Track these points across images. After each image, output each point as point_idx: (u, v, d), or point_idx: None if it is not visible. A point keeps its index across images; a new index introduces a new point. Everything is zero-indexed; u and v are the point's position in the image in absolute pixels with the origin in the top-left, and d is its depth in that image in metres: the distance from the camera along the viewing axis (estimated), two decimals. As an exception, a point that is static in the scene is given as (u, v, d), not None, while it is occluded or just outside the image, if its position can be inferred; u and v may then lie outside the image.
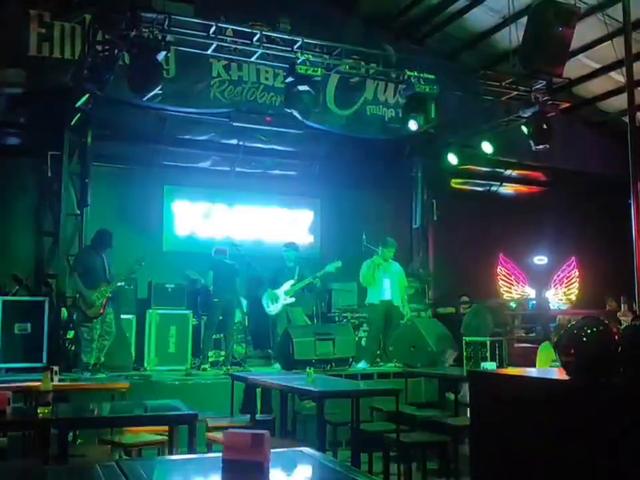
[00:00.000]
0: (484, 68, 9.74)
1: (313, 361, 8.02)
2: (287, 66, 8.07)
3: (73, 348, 8.48)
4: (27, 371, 7.74)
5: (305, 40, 8.09)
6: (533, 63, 8.17)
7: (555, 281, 13.47)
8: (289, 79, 8.01)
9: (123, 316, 8.82)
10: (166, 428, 4.94)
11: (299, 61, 7.91)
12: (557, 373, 3.15)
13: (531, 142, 9.36)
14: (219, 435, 5.26)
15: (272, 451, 2.35)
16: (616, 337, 2.82)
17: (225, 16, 7.98)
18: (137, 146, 10.31)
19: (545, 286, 13.30)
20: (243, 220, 11.28)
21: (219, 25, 7.72)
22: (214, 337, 9.35)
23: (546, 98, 9.26)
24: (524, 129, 9.41)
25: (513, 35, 8.48)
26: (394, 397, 5.47)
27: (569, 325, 2.99)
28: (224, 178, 11.00)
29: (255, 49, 8.02)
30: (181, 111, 9.62)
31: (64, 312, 8.70)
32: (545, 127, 9.18)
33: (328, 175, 11.38)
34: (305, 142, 10.87)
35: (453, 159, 10.97)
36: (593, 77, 11.12)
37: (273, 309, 9.43)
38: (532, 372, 4.49)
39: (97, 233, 8.21)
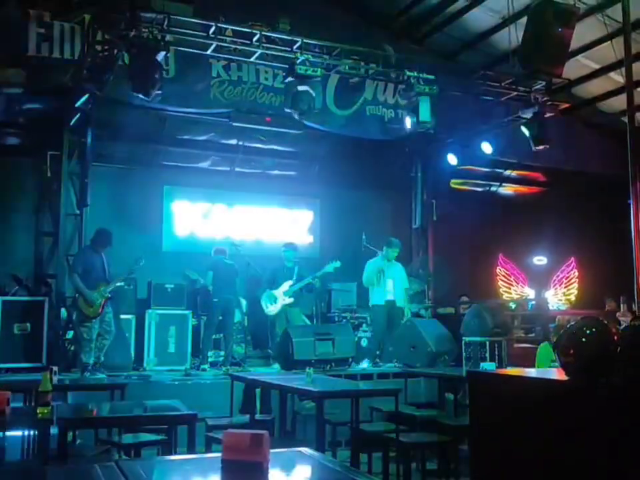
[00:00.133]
0: (483, 68, 9.73)
1: (313, 361, 8.02)
2: (287, 66, 8.08)
3: (72, 348, 8.48)
4: (26, 370, 7.76)
5: (305, 40, 8.09)
6: (532, 63, 8.18)
7: (554, 281, 13.47)
8: (289, 79, 8.02)
9: (122, 316, 8.83)
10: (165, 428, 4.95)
11: (298, 61, 7.92)
12: (556, 374, 3.15)
13: (531, 142, 9.37)
14: (218, 435, 5.26)
15: (271, 451, 2.34)
16: (615, 338, 2.82)
17: (225, 16, 7.98)
18: (136, 146, 10.31)
19: (544, 286, 13.30)
20: (242, 220, 11.28)
21: (219, 25, 7.72)
22: (213, 337, 9.35)
23: (545, 98, 9.26)
24: (523, 129, 9.42)
25: (513, 36, 8.49)
26: (393, 397, 5.48)
27: (568, 326, 2.99)
28: (223, 178, 11.00)
29: (255, 49, 8.02)
30: (181, 111, 9.62)
31: (63, 312, 8.71)
32: (544, 127, 9.19)
33: (327, 175, 11.38)
34: (304, 142, 10.87)
35: (452, 159, 10.97)
36: (593, 77, 11.12)
37: (271, 309, 9.43)
38: (531, 372, 4.50)
39: (96, 232, 8.21)
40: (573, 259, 13.36)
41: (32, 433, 4.81)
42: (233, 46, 8.03)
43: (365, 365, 8.96)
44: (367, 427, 5.95)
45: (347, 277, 10.37)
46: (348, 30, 9.93)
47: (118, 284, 8.11)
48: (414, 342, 8.52)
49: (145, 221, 10.36)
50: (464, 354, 7.62)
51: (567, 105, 10.20)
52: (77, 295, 7.97)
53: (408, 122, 8.85)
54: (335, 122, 10.25)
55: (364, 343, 9.58)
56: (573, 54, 9.52)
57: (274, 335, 9.37)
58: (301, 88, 7.86)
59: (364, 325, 9.88)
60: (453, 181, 12.38)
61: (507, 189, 13.20)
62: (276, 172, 11.47)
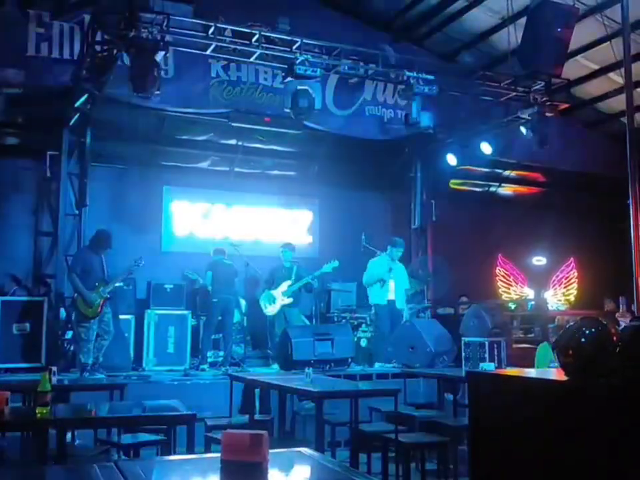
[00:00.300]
0: (483, 68, 9.75)
1: (312, 361, 8.00)
2: (286, 66, 8.08)
3: (71, 348, 8.48)
4: (25, 370, 7.76)
5: (304, 40, 8.10)
6: (531, 63, 8.20)
7: (553, 281, 13.47)
8: (288, 80, 8.02)
9: (121, 316, 8.83)
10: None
11: (297, 61, 7.92)
12: (556, 374, 3.15)
13: (530, 143, 9.37)
14: (217, 435, 5.26)
15: (270, 451, 2.35)
16: (614, 338, 2.82)
17: (224, 16, 7.98)
18: (135, 146, 10.29)
19: (543, 287, 13.30)
20: (241, 220, 11.27)
21: (218, 25, 7.72)
22: (213, 337, 9.35)
23: (545, 99, 9.26)
24: (523, 129, 9.42)
25: (512, 36, 8.51)
26: (393, 398, 5.47)
27: (567, 326, 2.99)
28: (223, 178, 11.00)
29: (254, 50, 8.02)
30: (180, 111, 9.62)
31: (62, 312, 8.70)
32: (543, 127, 9.19)
33: (327, 175, 11.38)
34: (303, 142, 10.87)
35: (451, 159, 10.97)
36: (592, 77, 11.14)
37: (270, 309, 9.44)
38: (531, 372, 4.49)
39: (96, 233, 8.21)
40: (572, 259, 13.37)
41: (31, 433, 4.81)
42: (232, 46, 8.03)
43: (378, 365, 8.99)
44: (366, 427, 5.95)
45: (346, 277, 10.37)
46: (347, 30, 9.95)
47: (117, 284, 8.10)
48: (413, 342, 8.51)
49: (144, 221, 10.36)
50: (463, 354, 7.61)
51: (566, 106, 10.20)
52: (75, 295, 7.97)
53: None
54: (334, 122, 10.27)
55: (363, 343, 9.58)
56: (572, 54, 9.54)
57: (273, 335, 9.37)
58: (300, 88, 7.86)
59: (363, 325, 9.88)
60: (452, 181, 12.38)
61: (506, 189, 13.20)
62: (275, 172, 11.46)
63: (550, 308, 12.23)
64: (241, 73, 9.65)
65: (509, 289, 13.21)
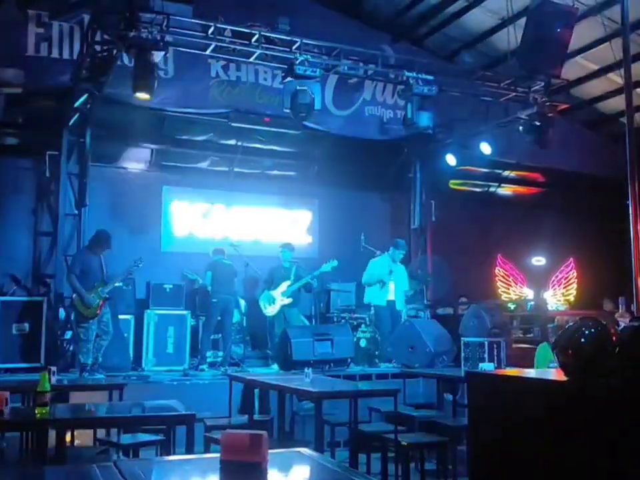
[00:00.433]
0: (482, 69, 9.75)
1: (311, 361, 8.01)
2: (286, 66, 8.08)
3: (70, 348, 8.48)
4: (24, 371, 7.76)
5: (304, 40, 8.10)
6: (531, 64, 8.19)
7: (553, 281, 13.47)
8: (288, 80, 8.01)
9: (121, 316, 8.83)
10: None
11: (297, 62, 7.92)
12: (555, 374, 3.15)
13: (529, 143, 9.37)
14: (216, 436, 5.26)
15: (270, 451, 2.34)
16: (614, 338, 2.82)
17: (224, 16, 7.97)
18: (135, 146, 10.30)
19: (543, 287, 13.30)
20: (241, 220, 11.27)
21: (218, 25, 7.73)
22: (212, 337, 9.35)
23: (544, 99, 9.26)
24: (522, 130, 9.42)
25: (512, 36, 8.50)
26: (392, 398, 5.47)
27: (566, 326, 2.99)
28: (222, 178, 11.00)
29: (254, 50, 8.02)
30: (180, 111, 9.62)
31: (62, 312, 8.70)
32: (543, 128, 9.19)
33: (326, 175, 11.38)
34: (303, 142, 10.88)
35: (451, 159, 10.98)
36: (591, 78, 11.14)
37: (270, 310, 9.44)
38: (530, 373, 4.49)
39: (95, 233, 8.20)
40: (571, 259, 13.37)
41: (30, 433, 4.81)
42: (232, 46, 8.03)
43: (387, 365, 9.00)
44: (366, 428, 5.94)
45: (345, 277, 10.37)
46: (347, 30, 9.94)
47: (116, 284, 8.10)
48: (413, 342, 8.51)
49: (143, 222, 10.36)
50: (462, 354, 7.60)
51: (565, 106, 10.21)
52: (74, 296, 7.97)
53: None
54: (334, 122, 10.26)
55: (363, 343, 9.58)
56: (572, 55, 9.53)
57: (273, 335, 9.36)
58: (299, 88, 7.86)
59: (363, 326, 9.88)
60: (451, 181, 12.38)
61: (506, 190, 13.21)
62: (275, 172, 11.46)
63: (549, 308, 12.23)
64: (240, 73, 9.65)
65: (508, 289, 13.21)
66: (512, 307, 11.32)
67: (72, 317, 8.28)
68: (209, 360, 9.12)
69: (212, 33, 7.71)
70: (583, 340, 2.82)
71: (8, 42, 8.59)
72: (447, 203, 11.84)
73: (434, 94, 8.55)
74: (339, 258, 9.48)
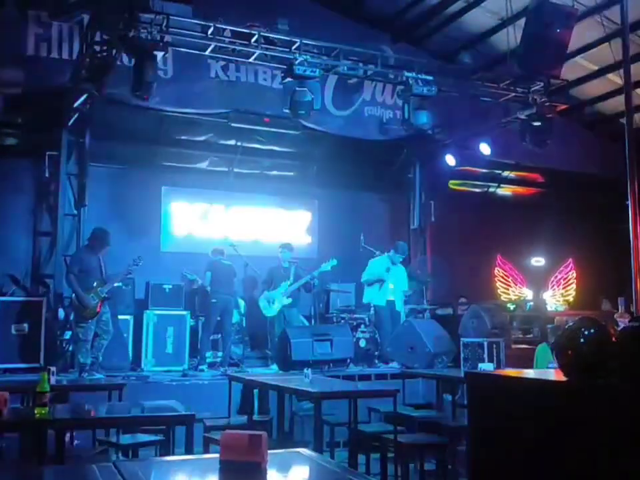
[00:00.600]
0: (482, 69, 9.75)
1: (311, 361, 8.01)
2: (285, 67, 8.08)
3: (70, 348, 8.48)
4: (24, 371, 7.75)
5: (303, 41, 8.10)
6: (530, 64, 8.19)
7: (552, 282, 13.48)
8: (287, 80, 8.01)
9: (120, 316, 8.83)
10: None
11: (297, 62, 7.92)
12: (555, 374, 3.15)
13: (529, 143, 9.37)
14: (216, 436, 5.26)
15: (269, 451, 2.34)
16: (613, 338, 2.82)
17: (223, 17, 7.97)
18: (134, 146, 10.29)
19: (542, 287, 13.30)
20: (240, 220, 11.27)
21: (217, 25, 7.73)
22: (211, 337, 9.34)
23: (543, 99, 9.27)
24: (521, 130, 9.42)
25: (511, 37, 8.50)
26: (392, 398, 5.47)
27: (566, 326, 2.99)
28: (222, 178, 11.00)
29: (253, 50, 8.02)
30: (179, 111, 9.61)
31: (61, 312, 8.69)
32: (542, 128, 9.19)
33: (326, 175, 11.38)
34: (302, 143, 10.88)
35: (450, 160, 10.98)
36: (591, 78, 11.14)
37: (269, 310, 9.43)
38: (529, 373, 4.49)
39: (93, 231, 8.20)
40: (570, 259, 13.37)
41: (30, 433, 4.80)
42: (232, 46, 8.02)
43: (393, 365, 9.01)
44: (365, 428, 5.94)
45: (345, 278, 10.37)
46: (346, 31, 9.94)
47: (115, 284, 8.10)
48: (412, 343, 8.51)
49: (142, 222, 10.35)
50: (462, 355, 7.61)
51: (564, 106, 10.21)
52: (73, 296, 7.97)
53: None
54: (334, 122, 10.26)
55: (362, 343, 9.58)
56: (571, 55, 9.53)
57: (272, 335, 9.36)
58: (299, 88, 7.86)
59: (362, 326, 9.88)
60: (451, 181, 12.39)
61: (505, 190, 13.21)
62: (274, 172, 11.47)
63: (549, 308, 12.24)
64: (240, 73, 9.64)
65: (507, 289, 13.21)
66: (511, 307, 11.32)
67: (71, 317, 8.28)
68: (208, 360, 9.12)
69: (211, 33, 7.71)
70: (582, 340, 2.82)
71: (7, 42, 8.58)
72: (446, 204, 11.84)
73: (433, 94, 8.55)
74: (339, 258, 9.48)
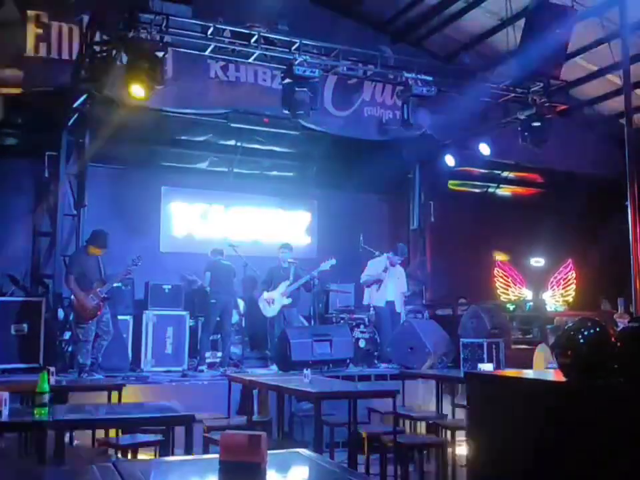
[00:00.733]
0: (482, 70, 9.74)
1: (310, 362, 8.01)
2: (285, 67, 8.08)
3: (69, 348, 8.47)
4: (23, 371, 7.74)
5: (303, 41, 8.09)
6: (530, 64, 8.19)
7: (551, 282, 13.49)
8: (287, 80, 8.01)
9: (119, 317, 8.83)
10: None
11: (296, 62, 7.92)
12: (554, 375, 3.15)
13: (528, 144, 9.37)
14: (215, 437, 5.26)
15: (269, 452, 2.34)
16: (613, 339, 2.83)
17: (223, 17, 7.97)
18: (134, 147, 10.29)
19: (542, 287, 13.31)
20: (240, 221, 11.27)
21: (217, 26, 7.72)
22: (211, 338, 9.34)
23: (543, 100, 9.26)
24: (521, 130, 9.42)
25: (511, 37, 8.51)
26: (391, 399, 5.47)
27: (565, 327, 3.00)
28: (221, 179, 11.00)
29: (253, 50, 8.02)
30: (179, 111, 9.59)
31: (61, 312, 8.69)
32: (541, 128, 9.19)
33: (325, 176, 11.38)
34: (302, 143, 10.87)
35: (450, 160, 10.98)
36: (590, 79, 11.14)
37: (269, 310, 9.43)
38: (529, 373, 4.49)
39: (92, 233, 8.20)
40: (570, 260, 13.38)
41: (29, 433, 4.81)
42: (231, 47, 8.02)
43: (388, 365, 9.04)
44: (365, 428, 5.94)
45: (344, 278, 10.37)
46: (346, 31, 9.94)
47: (115, 284, 8.10)
48: (412, 343, 8.52)
49: (142, 222, 10.35)
50: (462, 355, 7.62)
51: (564, 107, 10.21)
52: (72, 296, 7.96)
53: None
54: (333, 123, 10.25)
55: (362, 344, 9.58)
56: (571, 56, 9.54)
57: (272, 336, 9.36)
58: (298, 89, 7.86)
59: (362, 326, 9.88)
60: (450, 182, 12.39)
61: (505, 190, 13.22)
62: (274, 173, 11.47)
63: (548, 309, 12.25)
64: (239, 74, 9.63)
65: (507, 289, 13.22)
66: (511, 307, 11.33)
67: (71, 318, 8.28)
68: (207, 360, 9.12)
69: (211, 34, 7.70)
70: (582, 341, 2.82)
71: (7, 42, 8.58)
72: (445, 204, 11.84)
73: (433, 95, 8.55)
74: (338, 258, 9.47)
